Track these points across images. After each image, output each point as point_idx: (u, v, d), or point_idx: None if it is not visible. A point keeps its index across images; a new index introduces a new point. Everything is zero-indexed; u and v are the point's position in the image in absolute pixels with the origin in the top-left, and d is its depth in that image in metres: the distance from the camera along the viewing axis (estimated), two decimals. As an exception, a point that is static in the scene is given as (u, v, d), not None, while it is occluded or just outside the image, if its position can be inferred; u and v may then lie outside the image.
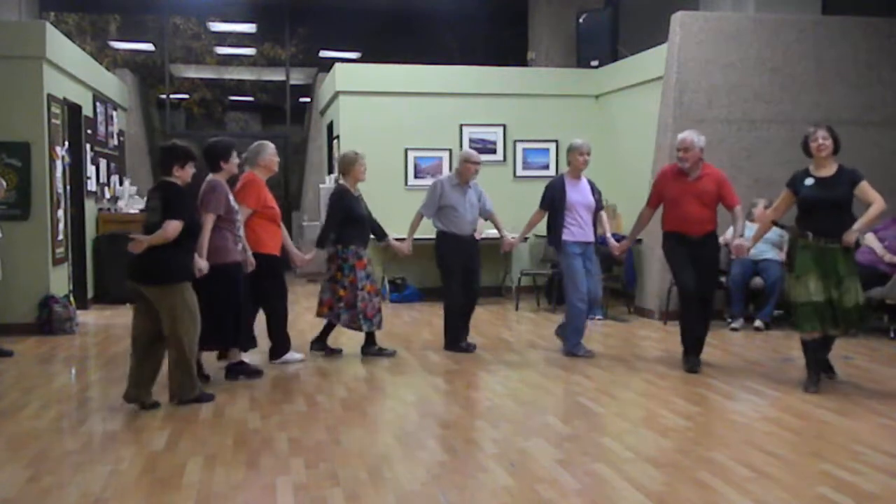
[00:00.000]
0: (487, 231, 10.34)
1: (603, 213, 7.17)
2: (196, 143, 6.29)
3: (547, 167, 11.16)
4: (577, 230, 6.92)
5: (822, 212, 5.75)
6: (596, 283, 7.08)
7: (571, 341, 7.03)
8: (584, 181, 7.05)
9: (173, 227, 5.20)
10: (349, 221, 6.82)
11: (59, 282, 8.54)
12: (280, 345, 6.74)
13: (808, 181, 5.84)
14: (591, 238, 7.01)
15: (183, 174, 5.42)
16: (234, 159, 6.09)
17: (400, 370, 6.58)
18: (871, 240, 8.01)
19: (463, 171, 7.14)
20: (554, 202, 6.95)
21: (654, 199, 6.74)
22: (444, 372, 6.51)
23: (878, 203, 5.62)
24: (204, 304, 5.51)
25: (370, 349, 7.06)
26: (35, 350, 7.41)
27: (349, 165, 6.91)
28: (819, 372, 5.90)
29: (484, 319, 8.96)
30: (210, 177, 6.04)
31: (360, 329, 6.88)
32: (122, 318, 9.10)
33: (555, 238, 7.00)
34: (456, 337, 7.26)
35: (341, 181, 7.01)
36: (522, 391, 5.94)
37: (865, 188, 5.69)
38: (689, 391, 5.83)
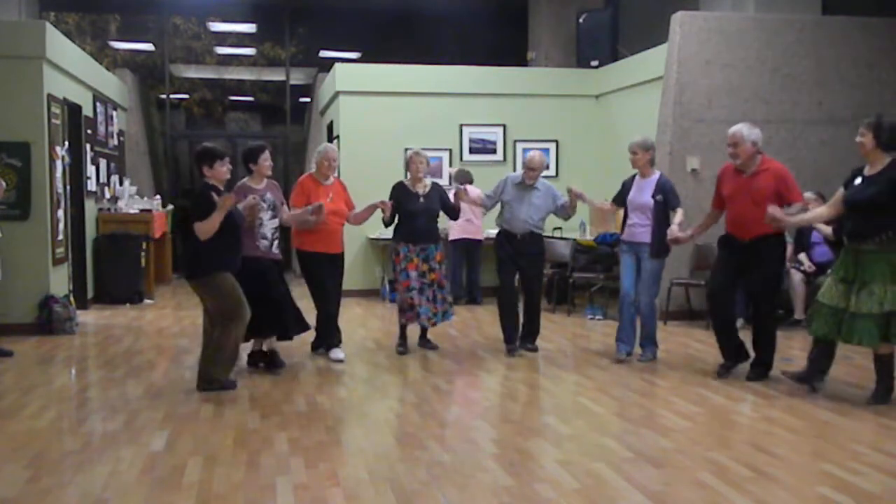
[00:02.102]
0: (489, 231, 10.36)
1: (678, 210, 6.54)
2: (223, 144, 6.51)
3: (547, 167, 11.13)
4: (627, 229, 6.75)
5: (853, 213, 5.38)
6: (642, 288, 6.65)
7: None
8: (650, 180, 6.67)
9: (198, 230, 5.54)
10: (399, 217, 7.03)
11: (59, 282, 8.54)
12: (318, 337, 7.03)
13: (858, 179, 5.42)
14: (641, 238, 6.62)
15: (214, 173, 5.70)
16: (264, 161, 6.34)
17: (400, 370, 6.58)
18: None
19: (524, 174, 7.07)
20: (621, 199, 6.85)
21: (716, 200, 6.32)
22: (444, 372, 6.51)
23: None
24: None
25: (422, 341, 7.32)
26: (35, 350, 7.41)
27: (407, 163, 7.17)
28: (812, 375, 5.73)
29: (484, 319, 8.96)
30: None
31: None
32: (121, 317, 9.11)
33: None
34: (506, 334, 7.14)
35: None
36: (522, 391, 5.94)
37: None
38: (689, 391, 5.83)
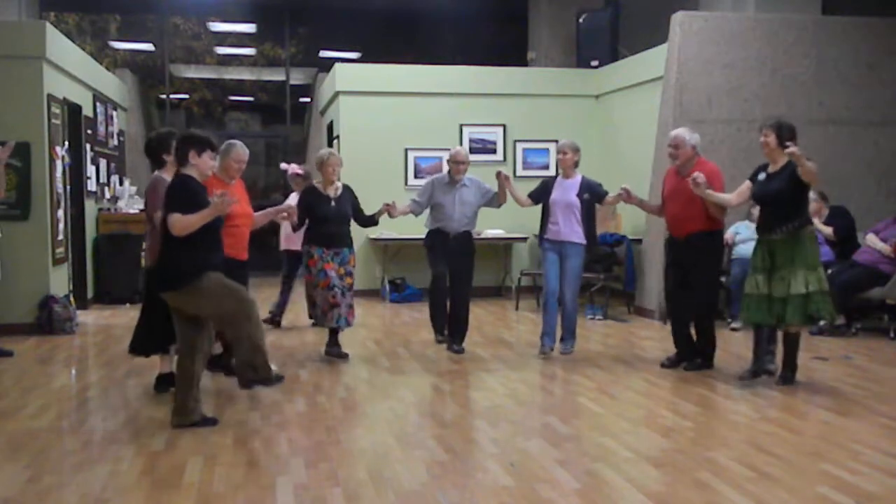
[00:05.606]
0: (488, 231, 10.36)
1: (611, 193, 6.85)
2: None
3: (547, 167, 11.13)
4: (550, 228, 6.90)
5: (763, 206, 5.96)
6: (566, 285, 6.82)
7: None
8: (574, 181, 6.92)
9: (174, 223, 4.68)
10: (310, 220, 6.74)
11: (59, 282, 8.54)
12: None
13: (761, 176, 5.99)
14: (566, 238, 6.80)
15: (200, 164, 4.84)
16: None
17: (400, 370, 6.57)
18: (872, 240, 8.00)
19: (451, 170, 7.14)
20: (540, 198, 7.03)
21: (662, 199, 6.64)
22: (444, 372, 6.51)
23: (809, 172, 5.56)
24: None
25: (330, 349, 6.88)
26: (35, 350, 7.41)
27: (318, 165, 6.84)
28: (760, 362, 6.05)
29: (484, 319, 8.96)
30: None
31: (319, 325, 6.89)
32: (121, 318, 9.10)
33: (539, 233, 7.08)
34: (435, 325, 7.28)
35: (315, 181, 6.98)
36: (522, 391, 5.94)
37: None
38: (689, 391, 5.83)
